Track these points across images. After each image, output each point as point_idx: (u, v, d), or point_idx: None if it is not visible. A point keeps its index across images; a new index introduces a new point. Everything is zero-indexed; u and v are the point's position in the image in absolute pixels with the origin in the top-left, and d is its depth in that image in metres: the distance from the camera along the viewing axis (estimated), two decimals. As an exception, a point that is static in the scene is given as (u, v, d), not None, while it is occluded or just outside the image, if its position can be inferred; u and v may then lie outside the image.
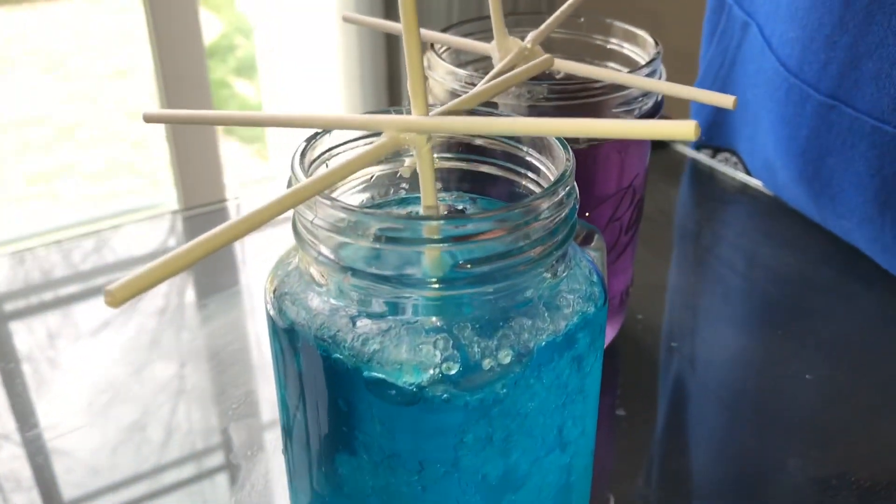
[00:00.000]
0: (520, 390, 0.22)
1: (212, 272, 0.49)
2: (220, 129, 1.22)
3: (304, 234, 0.22)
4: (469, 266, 0.21)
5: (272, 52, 1.55)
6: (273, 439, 0.36)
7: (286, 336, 0.24)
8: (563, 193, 0.22)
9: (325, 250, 0.22)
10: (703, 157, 0.59)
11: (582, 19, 0.37)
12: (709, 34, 0.57)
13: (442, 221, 0.20)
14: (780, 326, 0.44)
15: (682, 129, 0.19)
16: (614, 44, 0.37)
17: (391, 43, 1.18)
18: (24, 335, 0.43)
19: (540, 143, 0.25)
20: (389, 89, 1.21)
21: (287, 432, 0.26)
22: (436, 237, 0.21)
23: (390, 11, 1.14)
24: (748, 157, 0.56)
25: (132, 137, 2.04)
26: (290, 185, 0.23)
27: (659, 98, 0.34)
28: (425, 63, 0.36)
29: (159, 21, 1.08)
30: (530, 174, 0.25)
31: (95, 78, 2.23)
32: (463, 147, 0.27)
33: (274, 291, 0.24)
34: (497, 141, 0.26)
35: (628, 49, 0.36)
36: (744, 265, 0.49)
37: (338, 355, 0.22)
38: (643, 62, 0.36)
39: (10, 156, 1.94)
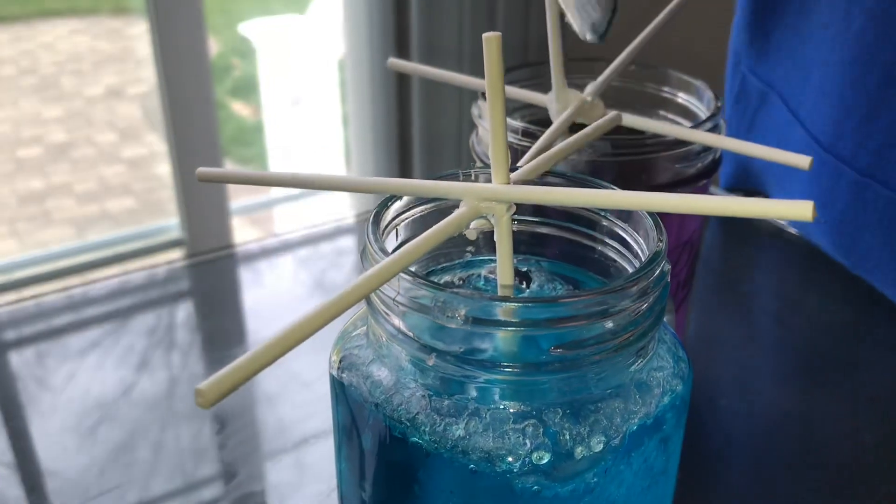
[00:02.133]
0: (609, 478, 0.21)
1: (209, 292, 0.47)
2: (221, 151, 1.20)
3: (380, 309, 0.21)
4: (561, 350, 0.20)
5: (275, 75, 1.55)
6: (265, 460, 0.35)
7: (355, 411, 0.22)
8: (660, 270, 0.21)
9: (405, 328, 0.21)
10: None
11: (632, 67, 0.36)
12: (728, 93, 0.56)
13: (537, 305, 0.19)
14: (828, 381, 0.42)
15: (798, 210, 0.18)
16: (667, 92, 0.36)
17: (401, 86, 1.17)
18: (13, 355, 0.42)
19: (623, 212, 0.23)
20: (400, 109, 1.20)
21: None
22: (529, 321, 0.19)
23: (401, 47, 1.13)
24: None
25: (125, 158, 2.02)
26: (364, 255, 0.22)
27: (718, 154, 0.33)
28: (475, 111, 0.35)
29: (165, 41, 1.07)
30: (608, 240, 0.24)
31: (88, 98, 2.21)
32: (531, 208, 0.25)
33: (340, 363, 0.23)
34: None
35: (682, 98, 0.35)
36: (788, 314, 0.48)
37: (416, 439, 0.21)
38: (698, 111, 0.35)
39: (2, 175, 1.92)
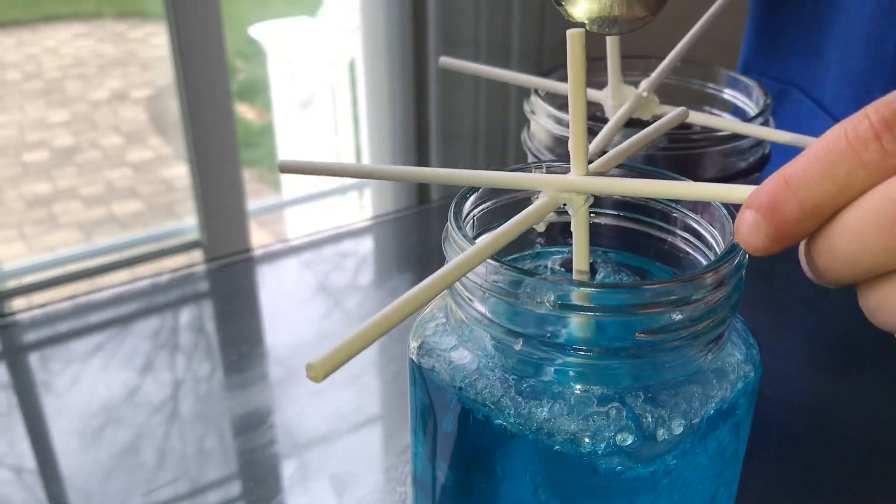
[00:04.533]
0: (687, 460, 0.22)
1: (220, 294, 0.48)
2: (238, 152, 1.20)
3: (463, 296, 0.22)
4: (644, 335, 0.20)
5: (285, 77, 1.55)
6: (270, 461, 0.35)
7: (435, 396, 0.23)
8: (739, 259, 0.21)
9: (490, 314, 0.21)
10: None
11: (679, 63, 0.37)
12: None
13: (626, 291, 0.20)
14: (864, 368, 0.43)
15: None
16: (713, 88, 0.37)
17: (418, 71, 1.18)
18: (18, 360, 0.42)
19: (696, 203, 0.24)
20: (417, 114, 1.20)
21: (422, 487, 0.26)
22: (613, 306, 0.20)
23: (419, 43, 1.14)
24: None
25: (131, 161, 2.03)
26: (447, 242, 0.23)
27: (768, 149, 0.34)
28: (527, 108, 0.35)
29: (183, 43, 1.07)
30: (679, 231, 0.25)
31: (93, 101, 2.22)
32: (598, 199, 0.26)
33: (420, 348, 0.24)
34: (648, 198, 0.25)
35: (729, 94, 0.36)
36: (821, 302, 0.48)
37: (500, 421, 0.21)
38: (746, 107, 0.35)
39: (8, 180, 1.92)
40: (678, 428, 0.21)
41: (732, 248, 0.21)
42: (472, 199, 0.24)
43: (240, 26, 2.05)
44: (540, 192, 0.22)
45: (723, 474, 0.23)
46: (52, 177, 1.96)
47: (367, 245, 0.57)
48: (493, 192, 0.25)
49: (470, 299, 0.22)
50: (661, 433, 0.21)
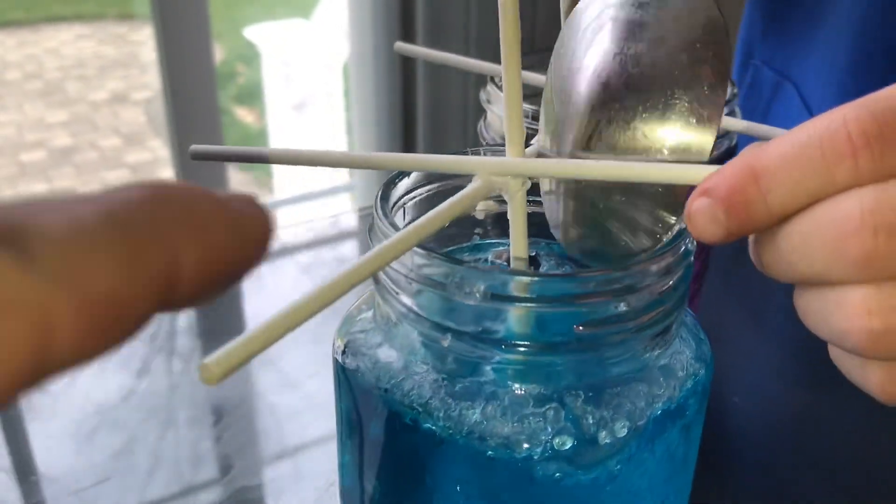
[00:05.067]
0: (633, 466, 0.20)
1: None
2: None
3: (389, 288, 0.20)
4: (583, 328, 0.19)
5: (280, 80, 1.54)
6: (264, 467, 0.34)
7: (361, 399, 0.21)
8: (685, 247, 0.20)
9: (417, 308, 0.20)
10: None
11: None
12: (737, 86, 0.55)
13: (565, 280, 0.18)
14: (842, 379, 0.41)
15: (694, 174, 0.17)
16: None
17: (406, 70, 1.16)
18: None
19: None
20: (404, 114, 1.19)
21: (350, 500, 0.24)
22: (549, 296, 0.18)
23: (408, 32, 1.12)
24: None
25: (129, 163, 2.02)
26: (372, 231, 0.21)
27: (734, 141, 0.32)
28: (483, 96, 0.34)
29: (170, 46, 1.06)
30: (628, 221, 0.23)
31: (92, 102, 2.22)
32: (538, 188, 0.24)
33: (345, 348, 0.22)
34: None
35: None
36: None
37: (429, 425, 0.20)
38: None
39: (5, 179, 1.92)
40: (622, 430, 0.19)
41: (678, 235, 0.20)
42: (402, 185, 0.22)
43: (240, 30, 2.04)
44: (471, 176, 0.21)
45: (672, 480, 0.22)
46: (50, 177, 1.95)
47: (352, 237, 0.55)
48: (427, 179, 0.23)
49: (396, 292, 0.20)
50: (604, 436, 0.19)
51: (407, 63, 1.14)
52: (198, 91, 1.10)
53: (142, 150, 2.09)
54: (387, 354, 0.21)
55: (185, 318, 0.44)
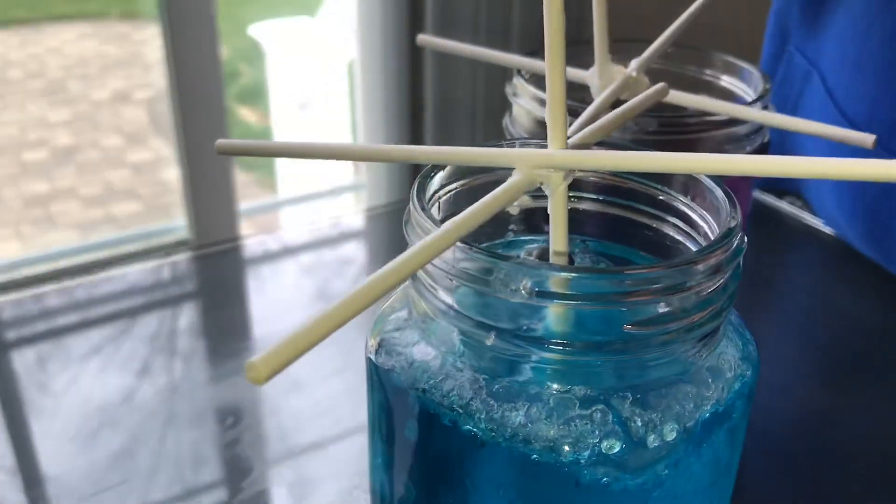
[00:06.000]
0: (680, 470, 0.19)
1: (212, 300, 0.45)
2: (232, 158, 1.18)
3: (427, 285, 0.19)
4: (632, 327, 0.18)
5: (284, 78, 1.53)
6: (266, 469, 0.33)
7: (395, 399, 0.21)
8: (737, 244, 0.19)
9: (458, 306, 0.19)
10: (769, 198, 0.56)
11: (671, 48, 0.34)
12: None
13: (615, 276, 0.17)
14: (871, 382, 0.41)
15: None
16: (709, 75, 0.34)
17: (414, 67, 1.16)
18: (14, 360, 0.40)
19: (687, 186, 0.22)
20: (412, 112, 1.18)
21: (381, 502, 0.23)
22: (600, 293, 0.18)
23: (417, 28, 1.11)
24: (816, 205, 0.53)
25: (131, 162, 2.01)
26: (408, 226, 0.20)
27: (766, 137, 0.31)
28: (509, 90, 0.33)
29: (177, 44, 1.05)
30: (668, 217, 0.22)
31: (95, 102, 2.21)
32: (578, 184, 0.24)
33: (379, 347, 0.21)
34: (627, 179, 0.23)
35: (726, 81, 0.34)
36: (822, 313, 0.46)
37: (469, 427, 0.19)
38: (744, 94, 0.33)
39: (7, 178, 1.91)
40: (671, 433, 0.18)
41: (729, 232, 0.19)
42: (437, 178, 0.21)
43: (244, 29, 2.03)
44: (513, 170, 0.20)
45: (717, 485, 0.21)
46: (52, 176, 1.94)
47: (359, 237, 0.55)
48: (462, 173, 0.22)
49: (434, 288, 0.19)
50: (652, 439, 0.18)
51: (415, 60, 1.13)
52: (204, 90, 1.09)
53: (144, 149, 2.09)
54: (424, 353, 0.20)
55: (186, 319, 0.44)
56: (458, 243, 0.18)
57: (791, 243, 0.53)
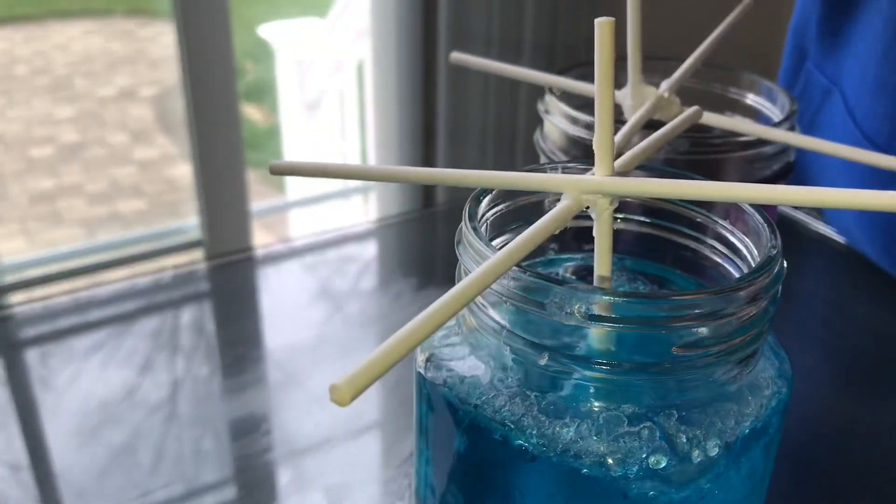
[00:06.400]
0: (720, 483, 0.20)
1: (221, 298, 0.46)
2: (243, 152, 1.19)
3: (479, 304, 0.20)
4: (680, 350, 0.19)
5: (292, 78, 1.54)
6: (264, 468, 0.34)
7: (443, 412, 0.22)
8: (778, 269, 0.20)
9: (510, 325, 0.20)
10: (785, 207, 0.57)
11: (699, 67, 0.35)
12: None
13: (664, 302, 0.18)
14: (889, 391, 0.41)
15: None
16: (734, 93, 0.35)
17: (427, 70, 1.16)
18: (17, 357, 0.41)
19: (727, 209, 0.23)
20: (425, 115, 1.19)
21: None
22: (651, 317, 0.18)
23: (428, 40, 1.12)
24: (830, 217, 0.54)
25: (137, 159, 2.02)
26: (462, 248, 0.21)
27: (793, 156, 0.32)
28: (541, 107, 0.34)
29: (190, 42, 1.06)
30: (707, 240, 0.23)
31: (101, 99, 2.21)
32: (620, 204, 0.25)
33: (428, 361, 0.22)
34: (668, 202, 0.24)
35: (752, 99, 0.35)
36: (839, 322, 0.47)
37: (521, 442, 0.20)
38: (770, 113, 0.34)
39: (13, 175, 1.91)
40: (713, 449, 0.19)
41: (770, 260, 0.20)
42: (485, 201, 0.22)
43: (250, 27, 2.04)
44: (558, 193, 0.21)
45: (750, 498, 0.22)
46: (58, 173, 1.95)
47: (370, 248, 0.55)
48: (507, 194, 0.23)
49: (484, 306, 0.20)
50: (697, 454, 0.19)
51: (428, 68, 1.14)
52: (216, 87, 1.10)
53: (150, 146, 2.09)
54: (474, 369, 0.21)
55: (188, 317, 0.44)
56: (514, 267, 0.19)
57: (807, 252, 0.54)
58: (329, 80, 1.68)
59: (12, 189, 1.87)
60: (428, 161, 1.21)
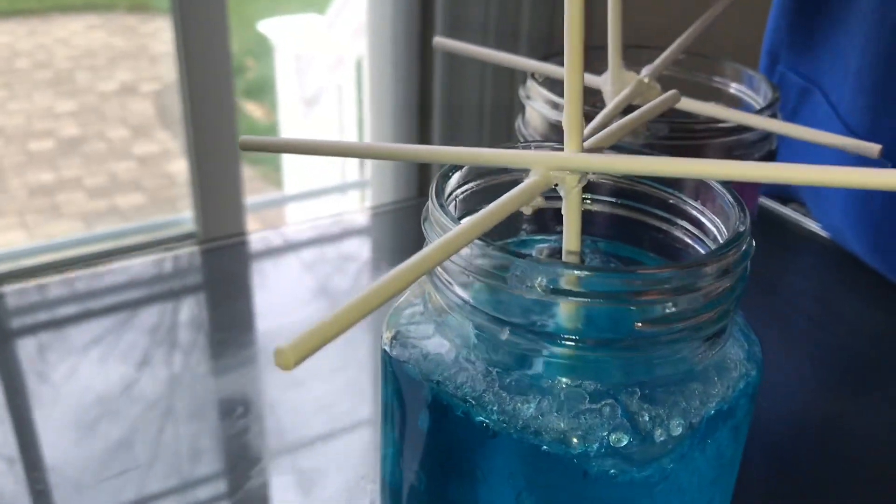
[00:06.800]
0: (684, 464, 0.20)
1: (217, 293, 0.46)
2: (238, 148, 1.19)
3: (444, 280, 0.20)
4: (643, 325, 0.19)
5: (291, 75, 1.54)
6: (265, 461, 0.34)
7: (408, 391, 0.21)
8: (746, 246, 0.20)
9: (473, 301, 0.19)
10: (773, 204, 0.57)
11: (682, 56, 0.35)
12: None
13: (627, 276, 0.18)
14: (873, 387, 0.41)
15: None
16: (718, 82, 0.35)
17: (424, 66, 1.16)
18: (14, 350, 0.41)
19: (698, 190, 0.22)
20: (420, 110, 1.19)
21: (391, 492, 0.24)
22: (613, 291, 0.18)
23: (426, 27, 1.12)
24: (818, 214, 0.54)
25: (137, 154, 2.02)
26: (427, 224, 0.21)
27: (774, 144, 0.32)
28: (522, 93, 0.34)
29: (188, 37, 1.06)
30: (676, 220, 0.23)
31: (102, 93, 2.21)
32: (591, 186, 0.24)
33: (394, 339, 0.22)
34: (639, 182, 0.23)
35: (735, 89, 0.34)
36: (826, 319, 0.47)
37: (482, 418, 0.19)
38: (752, 102, 0.34)
39: (13, 168, 1.91)
40: (677, 428, 0.19)
41: (738, 236, 0.20)
42: (455, 178, 0.22)
43: (251, 25, 2.04)
44: (529, 171, 0.20)
45: (718, 482, 0.22)
46: (57, 166, 1.95)
47: (363, 235, 0.55)
48: (478, 173, 0.23)
49: (450, 283, 0.20)
50: (659, 433, 0.19)
51: (425, 59, 1.14)
52: (213, 83, 1.10)
53: (150, 141, 2.09)
54: (438, 346, 0.21)
55: (186, 312, 0.44)
56: (476, 241, 0.19)
57: (794, 249, 0.53)
58: (328, 76, 1.68)
59: (12, 182, 1.87)
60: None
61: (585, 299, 0.18)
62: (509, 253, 0.18)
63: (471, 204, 0.23)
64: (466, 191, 0.23)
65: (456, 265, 0.19)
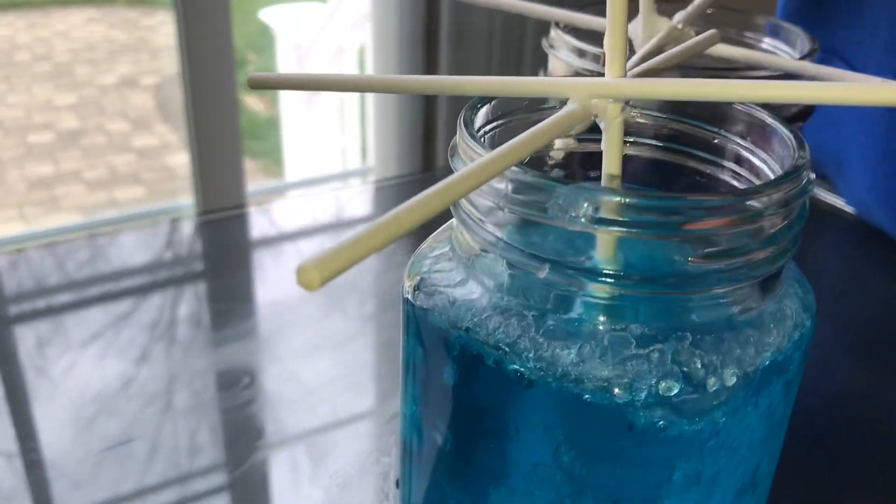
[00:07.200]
0: (737, 419, 0.18)
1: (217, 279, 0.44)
2: (241, 140, 1.18)
3: (474, 218, 0.18)
4: (696, 260, 0.17)
5: (293, 64, 1.52)
6: (265, 456, 0.32)
7: (433, 342, 0.20)
8: (807, 179, 0.18)
9: (508, 237, 0.18)
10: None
11: (710, 10, 0.33)
12: None
13: (685, 201, 0.16)
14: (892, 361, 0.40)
15: None
16: (750, 38, 0.33)
17: (429, 53, 1.14)
18: (12, 342, 0.39)
19: (748, 129, 0.21)
20: (425, 98, 1.17)
21: (413, 456, 0.22)
22: (664, 221, 0.16)
23: (433, 10, 1.10)
24: (843, 189, 0.52)
25: (136, 147, 2.00)
26: (454, 155, 0.19)
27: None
28: (545, 43, 0.32)
29: (190, 29, 1.04)
30: (723, 162, 0.21)
31: (101, 86, 2.20)
32: (628, 127, 0.23)
33: (417, 287, 0.20)
34: (683, 123, 0.22)
35: (768, 43, 0.33)
36: (853, 294, 0.45)
37: (517, 367, 0.18)
38: (789, 57, 0.32)
39: (12, 160, 1.90)
40: (731, 378, 0.17)
41: (797, 168, 0.18)
42: (482, 111, 0.20)
43: (251, 17, 2.02)
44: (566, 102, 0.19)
45: (768, 442, 0.20)
46: (56, 159, 1.93)
47: (366, 207, 0.54)
48: (507, 107, 0.21)
49: (481, 220, 0.18)
50: (713, 382, 0.17)
51: (430, 48, 1.12)
52: (215, 75, 1.08)
53: (149, 134, 2.08)
54: (467, 292, 0.19)
55: (185, 307, 0.43)
56: (514, 167, 0.17)
57: (819, 224, 0.52)
58: (329, 67, 1.66)
59: (11, 174, 1.85)
60: (428, 155, 1.20)
61: (633, 229, 0.16)
62: (549, 178, 0.17)
63: (500, 142, 0.22)
64: (494, 127, 0.21)
65: (489, 199, 0.18)
